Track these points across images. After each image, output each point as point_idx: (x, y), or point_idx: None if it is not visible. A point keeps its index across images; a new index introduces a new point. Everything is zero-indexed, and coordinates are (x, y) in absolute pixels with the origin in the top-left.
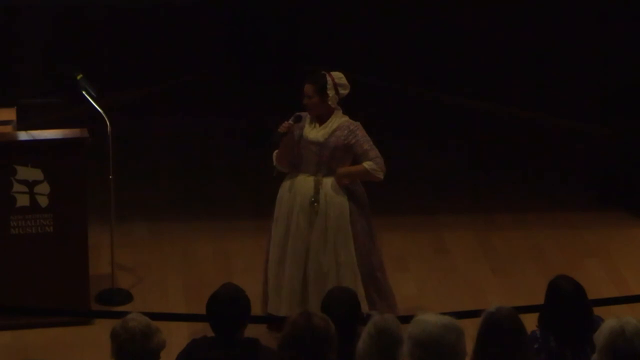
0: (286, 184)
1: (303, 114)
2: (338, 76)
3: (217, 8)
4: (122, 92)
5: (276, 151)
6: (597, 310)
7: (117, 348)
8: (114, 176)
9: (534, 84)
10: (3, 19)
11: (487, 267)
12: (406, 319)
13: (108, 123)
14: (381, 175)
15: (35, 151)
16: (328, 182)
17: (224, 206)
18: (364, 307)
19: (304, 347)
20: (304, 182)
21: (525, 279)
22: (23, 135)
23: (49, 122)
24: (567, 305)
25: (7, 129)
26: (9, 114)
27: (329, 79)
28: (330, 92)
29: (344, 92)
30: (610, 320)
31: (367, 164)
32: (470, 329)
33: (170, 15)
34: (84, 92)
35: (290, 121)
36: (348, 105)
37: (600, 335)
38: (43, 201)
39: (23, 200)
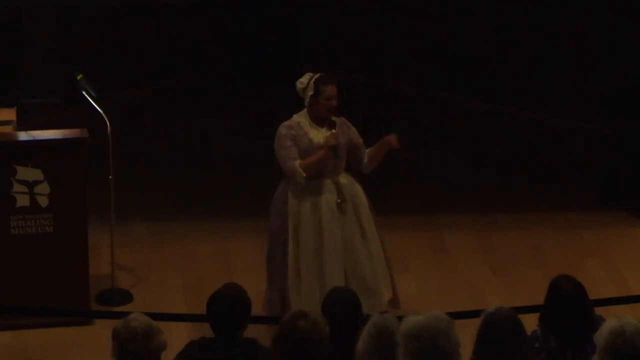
0: (303, 193)
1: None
2: None
3: (217, 8)
4: (122, 92)
5: (297, 161)
6: (597, 311)
7: (118, 347)
8: (114, 176)
9: (534, 84)
10: (3, 19)
11: (487, 267)
12: None
13: (108, 123)
14: None
15: (35, 151)
16: (342, 179)
17: (224, 206)
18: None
19: (295, 347)
20: (324, 188)
21: (525, 279)
22: (23, 136)
23: (49, 122)
24: (567, 305)
25: (7, 129)
26: (9, 114)
27: None
28: None
29: None
30: (611, 320)
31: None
32: (470, 329)
33: (171, 16)
34: (84, 92)
35: (333, 130)
36: (347, 105)
37: (601, 336)
38: (43, 201)
39: (23, 201)
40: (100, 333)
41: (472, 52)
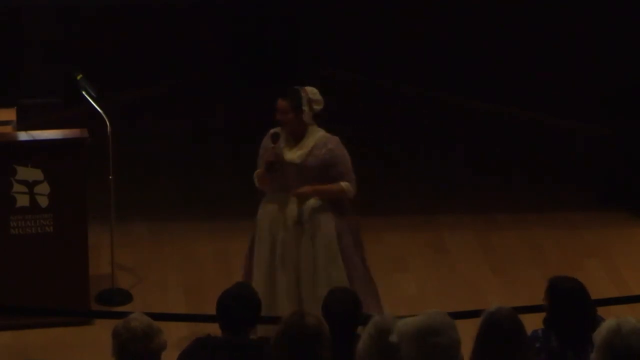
0: (268, 204)
1: (278, 130)
2: (312, 91)
3: (217, 8)
4: (122, 92)
5: (257, 171)
6: (598, 311)
7: (119, 347)
8: (114, 176)
9: (534, 84)
10: (3, 19)
11: (487, 267)
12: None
13: (108, 123)
14: (352, 196)
15: (35, 151)
16: (311, 201)
17: (224, 206)
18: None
19: (296, 346)
20: (288, 204)
21: (525, 279)
22: (23, 136)
23: (49, 122)
24: (567, 305)
25: (7, 129)
26: (9, 114)
27: (303, 94)
28: (305, 108)
29: (317, 107)
30: (610, 319)
31: (344, 184)
32: (470, 329)
33: (171, 16)
34: (84, 92)
35: (272, 145)
36: (348, 105)
37: (599, 335)
38: (43, 201)
39: (23, 201)
40: (101, 333)
41: (472, 52)
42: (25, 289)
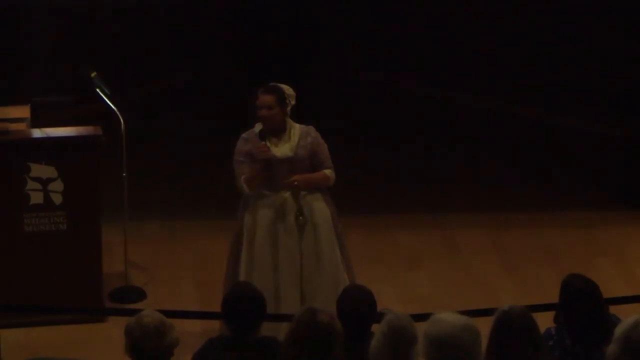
0: (262, 206)
1: (259, 128)
2: (286, 87)
3: (225, 6)
4: (134, 90)
5: (244, 176)
6: (611, 309)
7: (131, 344)
8: (127, 174)
9: (545, 82)
10: (16, 18)
11: (499, 266)
12: (419, 318)
13: (122, 121)
14: (332, 183)
15: (49, 149)
16: (304, 193)
17: (236, 204)
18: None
19: (308, 343)
20: (283, 201)
21: (537, 278)
22: (37, 133)
23: (62, 120)
24: (579, 303)
25: (21, 126)
26: (23, 111)
27: (283, 89)
28: (289, 103)
29: (293, 102)
30: (635, 315)
31: (327, 171)
32: (483, 328)
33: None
34: (98, 90)
35: (262, 142)
36: (352, 105)
37: (620, 328)
38: (57, 199)
39: (37, 198)
40: (114, 330)
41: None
42: (38, 286)
